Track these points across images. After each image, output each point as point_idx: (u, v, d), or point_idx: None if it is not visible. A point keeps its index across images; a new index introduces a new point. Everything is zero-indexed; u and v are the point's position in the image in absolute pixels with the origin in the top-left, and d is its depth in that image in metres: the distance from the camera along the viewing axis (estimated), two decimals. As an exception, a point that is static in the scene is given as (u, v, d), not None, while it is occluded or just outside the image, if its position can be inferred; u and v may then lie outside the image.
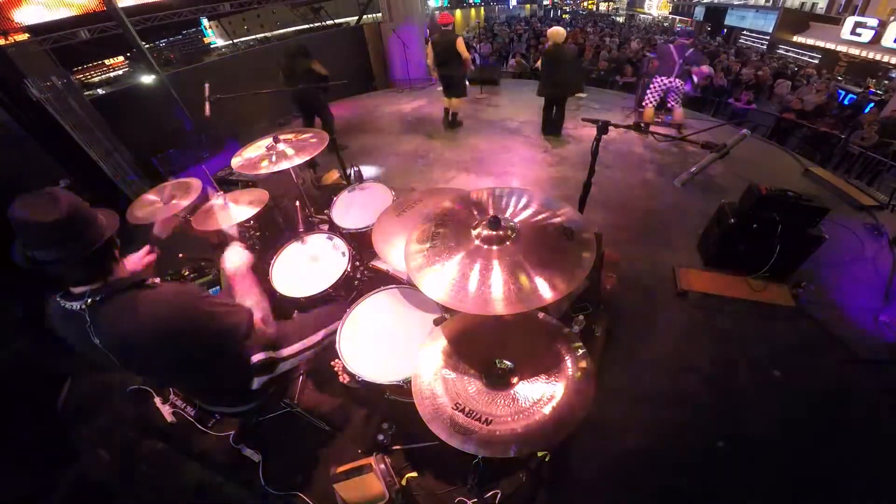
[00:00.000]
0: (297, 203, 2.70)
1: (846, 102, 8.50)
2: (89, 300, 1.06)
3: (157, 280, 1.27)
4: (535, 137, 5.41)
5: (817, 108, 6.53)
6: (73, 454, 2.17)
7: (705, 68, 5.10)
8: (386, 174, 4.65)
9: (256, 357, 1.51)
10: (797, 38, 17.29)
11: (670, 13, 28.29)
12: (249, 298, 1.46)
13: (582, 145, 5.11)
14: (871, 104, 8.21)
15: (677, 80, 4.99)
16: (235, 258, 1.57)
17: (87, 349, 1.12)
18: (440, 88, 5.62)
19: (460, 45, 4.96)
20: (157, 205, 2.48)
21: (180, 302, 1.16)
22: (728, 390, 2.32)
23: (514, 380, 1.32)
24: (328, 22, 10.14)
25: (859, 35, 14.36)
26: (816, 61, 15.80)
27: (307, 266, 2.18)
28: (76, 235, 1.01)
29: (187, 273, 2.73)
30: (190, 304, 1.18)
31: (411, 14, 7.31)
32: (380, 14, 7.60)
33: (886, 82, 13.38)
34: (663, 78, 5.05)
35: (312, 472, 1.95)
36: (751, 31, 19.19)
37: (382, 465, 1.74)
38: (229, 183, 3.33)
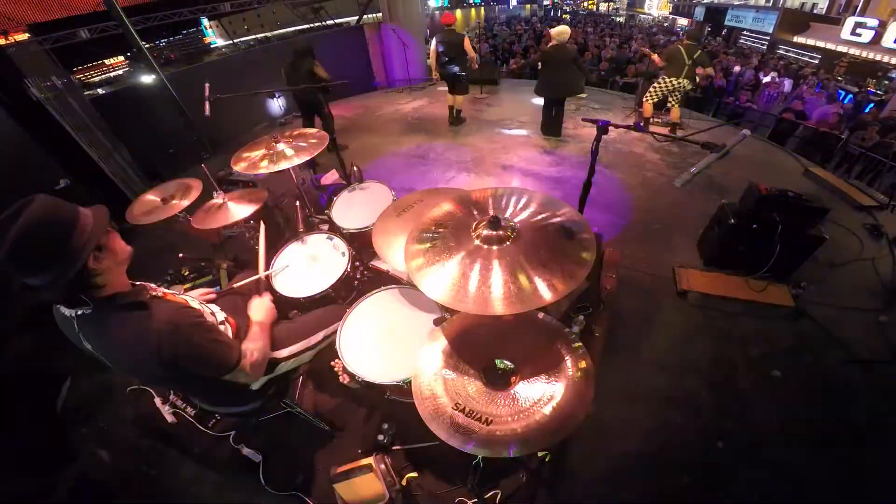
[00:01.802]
0: (297, 203, 2.70)
1: (845, 102, 8.50)
2: (79, 311, 1.07)
3: (156, 293, 1.23)
4: (535, 137, 5.41)
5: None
6: (73, 454, 2.17)
7: (709, 70, 5.13)
8: (386, 174, 4.66)
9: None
10: (797, 39, 17.28)
11: (670, 13, 28.26)
12: (255, 342, 1.45)
13: (582, 145, 5.11)
14: (871, 104, 8.21)
15: (685, 80, 4.99)
16: (261, 311, 1.62)
17: (82, 349, 1.16)
18: (441, 87, 5.63)
19: (467, 44, 5.01)
20: (157, 205, 2.49)
21: (171, 332, 1.11)
22: (728, 390, 2.32)
23: (514, 380, 1.32)
24: (328, 22, 10.14)
25: (859, 35, 14.33)
26: (816, 61, 15.80)
27: (307, 266, 2.18)
28: (41, 266, 0.96)
29: (187, 273, 2.73)
30: (181, 336, 1.13)
31: (411, 14, 7.31)
32: (380, 14, 7.60)
33: (886, 82, 13.38)
34: (671, 79, 5.04)
35: (312, 472, 1.95)
36: (751, 31, 19.18)
37: (382, 465, 1.74)
38: (229, 183, 3.33)
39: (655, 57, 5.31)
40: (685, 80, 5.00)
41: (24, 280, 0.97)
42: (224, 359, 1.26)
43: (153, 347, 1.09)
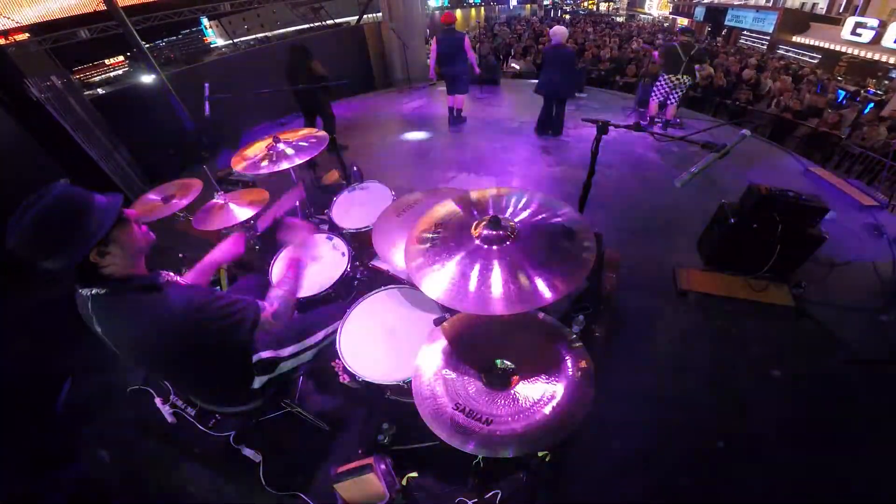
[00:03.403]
0: (297, 203, 2.70)
1: (842, 101, 8.47)
2: (94, 290, 1.09)
3: (170, 277, 1.25)
4: (535, 137, 5.42)
5: (810, 108, 6.56)
6: (73, 454, 2.17)
7: (709, 69, 5.20)
8: (386, 174, 4.65)
9: (260, 354, 1.50)
10: (797, 39, 17.29)
11: (670, 13, 28.29)
12: (281, 288, 1.51)
13: (582, 145, 5.11)
14: (871, 104, 8.20)
15: (685, 76, 5.06)
16: (296, 241, 1.69)
17: (94, 332, 1.16)
18: (441, 87, 5.64)
19: (468, 44, 5.03)
20: (157, 205, 2.49)
21: (188, 314, 1.13)
22: (728, 390, 2.32)
23: (514, 380, 1.32)
24: (328, 22, 10.14)
25: (860, 35, 14.34)
26: (816, 61, 15.81)
27: (307, 266, 2.18)
28: (55, 248, 1.00)
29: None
30: (198, 316, 1.15)
31: (411, 14, 7.30)
32: (380, 14, 7.60)
33: (886, 82, 13.39)
34: (671, 76, 5.12)
35: (312, 472, 1.95)
36: (751, 31, 19.19)
37: (382, 465, 1.74)
38: (229, 183, 3.33)
39: (656, 54, 5.39)
40: (684, 77, 5.08)
41: (40, 263, 1.01)
42: (242, 316, 1.27)
43: (169, 320, 1.11)
